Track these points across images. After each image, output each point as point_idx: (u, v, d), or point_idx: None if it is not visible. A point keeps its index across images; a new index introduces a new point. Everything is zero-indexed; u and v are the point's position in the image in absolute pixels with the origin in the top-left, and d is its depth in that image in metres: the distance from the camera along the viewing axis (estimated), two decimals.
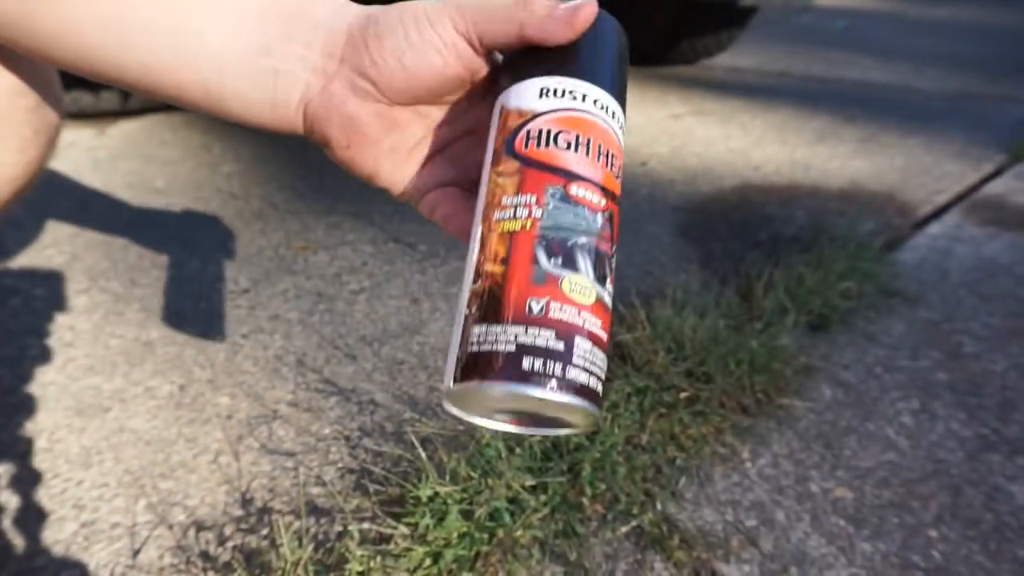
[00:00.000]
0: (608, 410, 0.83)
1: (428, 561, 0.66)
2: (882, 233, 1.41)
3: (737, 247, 1.34)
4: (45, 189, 1.42)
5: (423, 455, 0.73)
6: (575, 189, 0.31)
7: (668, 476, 0.80)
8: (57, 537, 0.70)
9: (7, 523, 0.71)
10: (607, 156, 0.33)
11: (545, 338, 0.29)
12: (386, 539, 0.68)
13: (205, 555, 0.69)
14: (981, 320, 1.14)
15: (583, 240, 0.31)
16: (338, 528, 0.71)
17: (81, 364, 0.95)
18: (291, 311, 1.09)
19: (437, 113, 0.37)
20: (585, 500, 0.75)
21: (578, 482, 0.76)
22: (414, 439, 0.78)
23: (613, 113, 0.34)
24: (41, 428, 0.83)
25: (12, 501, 0.74)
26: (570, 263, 0.30)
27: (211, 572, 0.67)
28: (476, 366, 0.29)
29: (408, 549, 0.66)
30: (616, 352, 0.95)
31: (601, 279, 0.31)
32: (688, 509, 0.76)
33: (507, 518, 0.69)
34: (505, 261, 0.30)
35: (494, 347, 0.29)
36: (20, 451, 0.80)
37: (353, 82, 0.33)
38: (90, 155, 1.63)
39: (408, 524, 0.68)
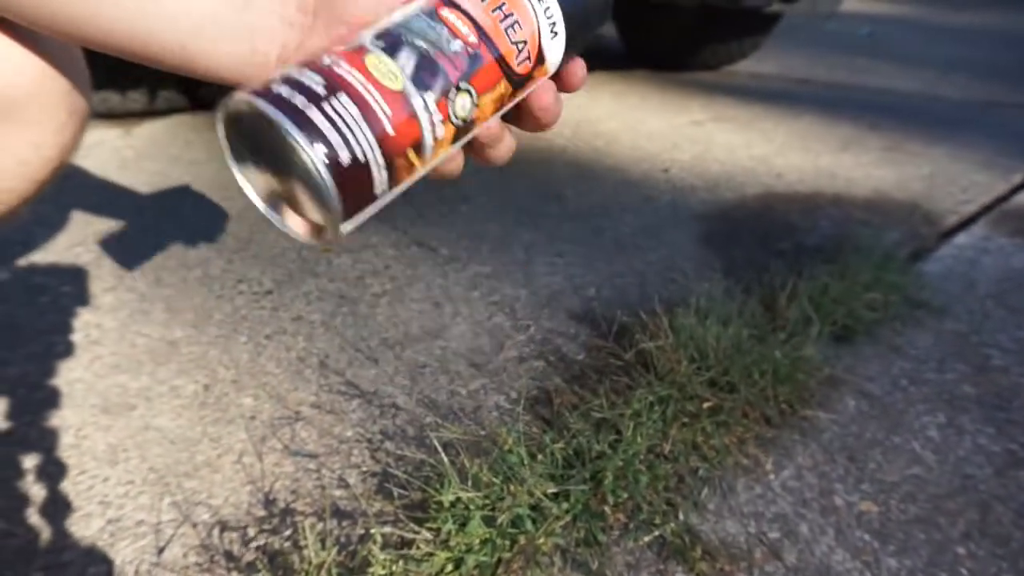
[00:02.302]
0: (631, 419, 0.82)
1: (450, 567, 0.66)
2: (908, 243, 1.40)
3: (760, 256, 1.34)
4: (73, 187, 1.44)
5: (445, 460, 0.73)
6: (446, 11, 0.32)
7: (691, 486, 0.79)
8: (84, 533, 0.71)
9: (36, 518, 0.72)
10: (511, 24, 0.33)
11: (311, 79, 0.29)
12: (408, 543, 0.68)
13: (229, 555, 0.70)
14: (1009, 332, 1.12)
15: (421, 43, 0.31)
16: (360, 531, 0.72)
17: (107, 362, 0.96)
18: (314, 313, 1.09)
19: None
20: (607, 508, 0.75)
21: (600, 490, 0.75)
22: (436, 443, 0.78)
23: (551, 21, 0.35)
24: (68, 424, 0.84)
25: (40, 496, 0.75)
26: (391, 49, 0.30)
27: (235, 572, 0.68)
28: (256, 87, 0.30)
29: (430, 554, 0.66)
30: (639, 360, 0.94)
31: (420, 82, 0.30)
32: (711, 520, 0.76)
33: (529, 525, 0.69)
34: (361, 27, 0.32)
35: (277, 74, 0.30)
36: (48, 446, 0.81)
37: (329, 31, 0.33)
38: (117, 155, 1.65)
39: (431, 529, 0.68)
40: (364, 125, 0.29)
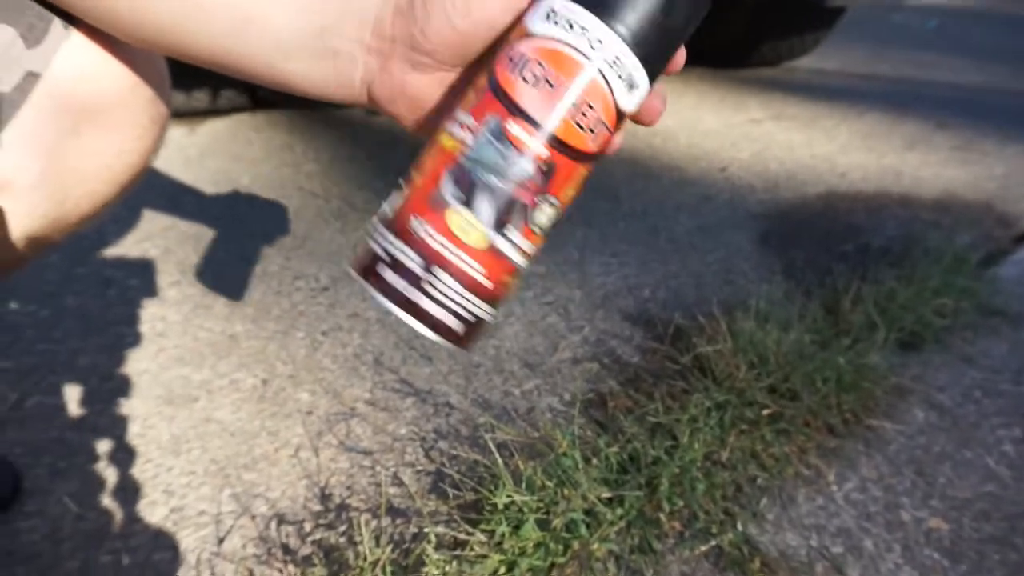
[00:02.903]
0: (687, 424, 0.81)
1: (503, 569, 0.65)
2: (980, 246, 1.33)
3: (822, 257, 1.29)
4: (141, 184, 1.49)
5: (499, 461, 0.73)
6: (511, 125, 0.30)
7: (749, 495, 0.77)
8: (149, 520, 0.73)
9: (105, 503, 0.75)
10: (579, 106, 0.30)
11: (408, 257, 0.30)
12: (462, 544, 0.68)
13: (286, 548, 0.71)
14: None
15: (495, 182, 0.30)
16: (414, 530, 0.72)
17: (171, 354, 0.99)
18: (369, 310, 1.11)
19: None
20: (662, 516, 0.73)
21: (655, 497, 0.74)
22: (490, 444, 0.78)
23: (617, 63, 0.30)
24: (136, 414, 0.87)
25: (111, 481, 0.77)
26: (469, 200, 0.30)
27: (291, 565, 0.69)
28: (357, 254, 0.32)
29: (483, 556, 0.66)
30: (696, 364, 0.93)
31: (500, 224, 0.30)
32: (770, 531, 0.74)
33: (583, 530, 0.69)
34: (421, 173, 0.32)
35: (370, 243, 0.32)
36: (117, 434, 0.84)
37: (409, 58, 0.33)
38: (181, 152, 1.70)
39: (484, 531, 0.68)
40: (465, 292, 0.31)
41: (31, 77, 0.37)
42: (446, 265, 0.30)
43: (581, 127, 0.31)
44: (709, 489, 0.76)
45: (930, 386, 0.96)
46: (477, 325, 0.31)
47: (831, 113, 2.22)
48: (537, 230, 0.32)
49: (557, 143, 0.30)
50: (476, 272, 0.30)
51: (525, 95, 0.30)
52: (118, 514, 0.74)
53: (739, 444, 0.81)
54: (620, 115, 0.32)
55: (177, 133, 1.82)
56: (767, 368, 0.89)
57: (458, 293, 0.30)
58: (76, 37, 0.38)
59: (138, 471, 0.79)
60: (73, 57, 0.38)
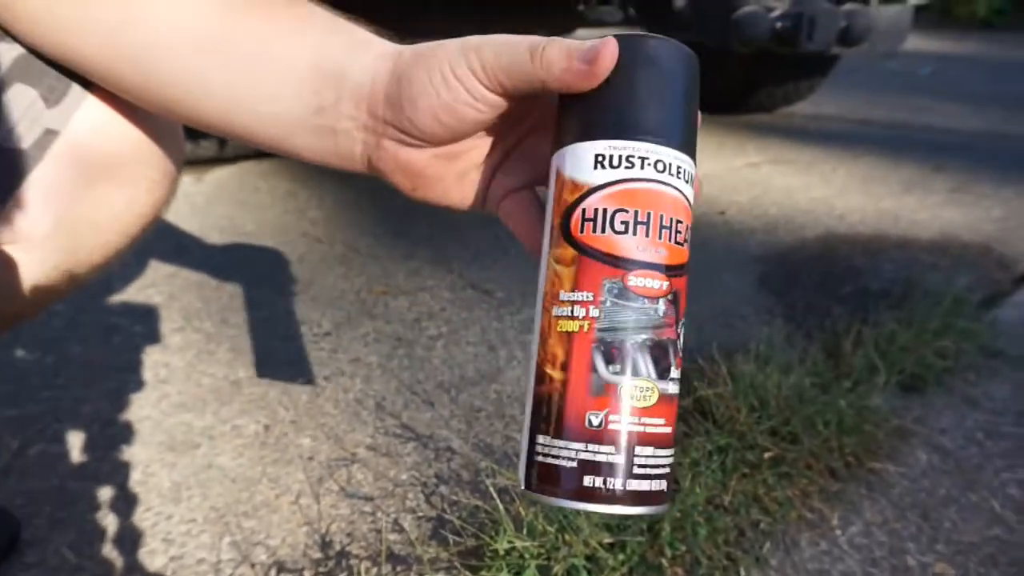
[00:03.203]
0: (688, 468, 0.80)
1: None
2: (980, 288, 1.34)
3: (822, 300, 1.30)
4: (147, 233, 1.52)
5: (500, 507, 0.73)
6: (634, 280, 0.30)
7: (752, 540, 0.77)
8: (148, 569, 0.73)
9: (106, 550, 0.75)
10: (672, 227, 0.31)
11: (605, 454, 0.29)
12: None
13: None
14: None
15: (643, 337, 0.30)
16: None
17: (174, 400, 0.99)
18: (371, 355, 1.11)
19: (496, 127, 0.37)
20: (664, 561, 0.73)
21: (657, 542, 0.74)
22: (491, 489, 0.77)
23: (679, 170, 0.31)
24: (137, 461, 0.87)
25: (110, 530, 0.77)
26: (629, 366, 0.29)
27: None
28: (540, 477, 0.30)
29: None
30: (696, 408, 0.93)
31: (664, 372, 0.30)
32: None
33: None
34: (564, 367, 0.30)
35: (556, 461, 0.30)
36: (118, 482, 0.84)
37: (401, 139, 0.35)
38: (188, 200, 1.73)
39: None
40: (662, 452, 0.30)
41: (50, 134, 0.39)
42: (642, 439, 0.29)
43: (680, 244, 0.32)
44: (711, 534, 0.75)
45: (932, 428, 0.96)
46: (671, 473, 0.31)
47: (828, 157, 2.25)
48: (682, 353, 0.32)
49: (672, 270, 0.31)
50: (661, 427, 0.30)
51: (632, 246, 0.30)
52: (117, 564, 0.74)
53: (741, 488, 0.81)
54: (692, 209, 0.33)
55: (185, 181, 1.86)
56: (768, 411, 0.89)
57: (655, 456, 0.30)
58: (93, 98, 0.40)
59: (138, 519, 0.79)
60: (90, 115, 0.40)
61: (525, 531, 0.70)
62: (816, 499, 0.82)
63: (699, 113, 0.34)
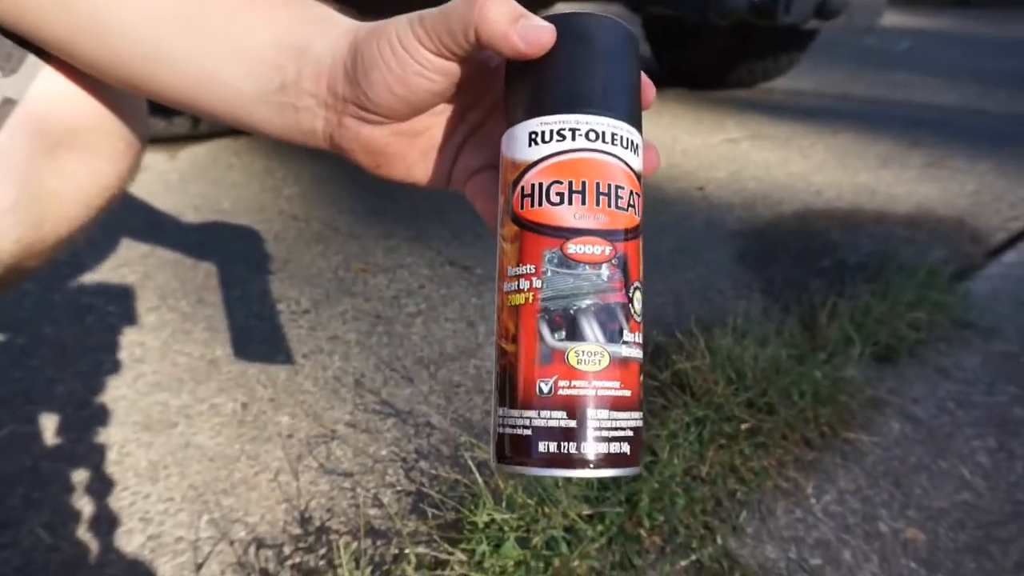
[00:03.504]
0: (667, 440, 0.81)
1: None
2: (953, 261, 1.36)
3: (799, 274, 1.31)
4: (120, 210, 1.49)
5: (479, 480, 0.73)
6: (573, 248, 0.30)
7: (728, 509, 0.78)
8: (125, 549, 0.73)
9: (80, 532, 0.74)
10: (611, 192, 0.31)
11: (557, 419, 0.30)
12: (442, 564, 0.68)
13: (265, 572, 0.70)
14: None
15: (587, 303, 0.30)
16: (395, 551, 0.72)
17: (150, 380, 0.98)
18: (350, 332, 1.11)
19: (457, 104, 0.37)
20: (643, 531, 0.74)
21: (636, 513, 0.74)
22: (470, 463, 0.78)
23: (615, 137, 0.32)
24: (113, 441, 0.86)
25: (86, 510, 0.76)
26: (575, 333, 0.30)
27: None
28: (503, 448, 0.31)
29: (464, 575, 0.66)
30: (675, 381, 0.93)
31: (614, 336, 0.30)
32: (749, 544, 0.74)
33: (564, 547, 0.69)
34: (515, 339, 0.31)
35: (514, 431, 0.30)
36: (93, 463, 0.83)
37: (361, 116, 0.35)
38: (162, 178, 1.70)
39: (465, 550, 0.68)
40: (617, 415, 0.30)
41: (8, 104, 0.38)
42: (591, 402, 0.30)
43: (623, 209, 0.31)
44: (689, 504, 0.76)
45: (905, 398, 0.97)
46: (637, 436, 0.31)
47: (806, 132, 2.26)
48: (638, 317, 0.32)
49: (615, 235, 0.31)
50: (616, 391, 0.30)
51: (567, 214, 0.30)
52: (93, 544, 0.73)
53: (718, 459, 0.82)
54: (638, 176, 0.33)
55: (158, 159, 1.83)
56: (745, 383, 0.90)
57: (612, 419, 0.30)
58: (50, 68, 0.39)
59: (114, 499, 0.78)
60: (48, 83, 0.39)
61: (504, 504, 0.71)
62: (791, 468, 0.84)
63: (646, 85, 0.34)
